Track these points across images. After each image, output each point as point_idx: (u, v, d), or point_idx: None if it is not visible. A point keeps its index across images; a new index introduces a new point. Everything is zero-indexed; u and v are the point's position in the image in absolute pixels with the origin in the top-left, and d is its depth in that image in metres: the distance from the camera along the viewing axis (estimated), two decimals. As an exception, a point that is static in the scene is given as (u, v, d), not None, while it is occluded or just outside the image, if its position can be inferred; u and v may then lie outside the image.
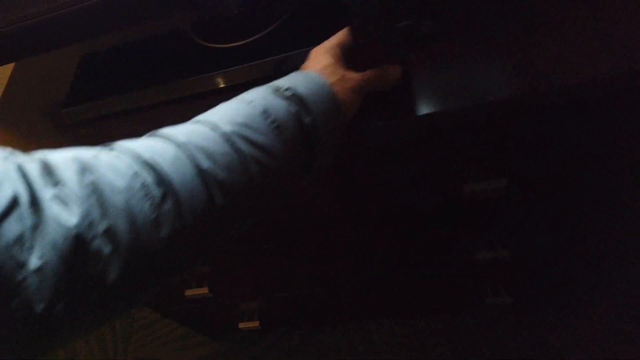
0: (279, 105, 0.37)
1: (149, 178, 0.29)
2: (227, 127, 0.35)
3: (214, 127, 0.34)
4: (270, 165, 0.35)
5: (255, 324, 1.04)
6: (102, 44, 0.70)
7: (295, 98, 0.38)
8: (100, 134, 0.63)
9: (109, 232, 0.26)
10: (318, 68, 0.43)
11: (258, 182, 0.35)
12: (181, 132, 0.34)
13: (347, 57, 0.45)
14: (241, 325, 1.05)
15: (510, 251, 0.76)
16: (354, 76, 0.43)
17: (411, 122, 0.49)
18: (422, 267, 0.86)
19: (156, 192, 0.29)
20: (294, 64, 0.49)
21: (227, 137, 0.34)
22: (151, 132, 0.35)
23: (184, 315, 1.06)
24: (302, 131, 0.38)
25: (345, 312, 1.10)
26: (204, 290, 0.88)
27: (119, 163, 0.29)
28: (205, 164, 0.32)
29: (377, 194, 0.67)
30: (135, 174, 0.29)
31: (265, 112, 0.36)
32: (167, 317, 1.06)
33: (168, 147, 0.32)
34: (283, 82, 0.40)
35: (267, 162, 0.35)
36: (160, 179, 0.30)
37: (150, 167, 0.30)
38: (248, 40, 0.59)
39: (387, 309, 1.09)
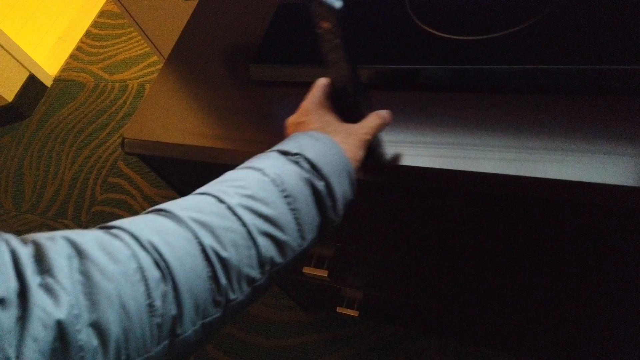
0: (290, 172, 0.36)
1: (146, 260, 0.28)
2: (233, 200, 0.33)
3: (220, 199, 0.33)
4: (280, 237, 0.34)
5: (354, 312, 1.01)
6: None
7: (306, 163, 0.37)
8: (284, 101, 0.57)
9: (96, 325, 0.25)
10: (319, 127, 0.41)
11: (267, 256, 0.33)
12: (184, 207, 0.32)
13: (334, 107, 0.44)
14: (339, 309, 1.02)
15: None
16: (356, 129, 0.42)
17: None
18: (582, 316, 0.76)
19: (152, 274, 0.28)
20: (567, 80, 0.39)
21: (233, 211, 0.33)
22: (154, 207, 0.33)
23: (288, 283, 1.04)
24: (315, 197, 0.37)
25: (451, 330, 1.02)
26: (324, 272, 0.84)
27: (115, 246, 0.28)
28: (208, 241, 0.31)
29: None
30: (131, 256, 0.28)
31: (275, 181, 0.35)
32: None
33: (169, 224, 0.31)
34: (290, 145, 0.38)
35: (276, 234, 0.34)
36: (158, 260, 0.28)
37: (148, 248, 0.29)
38: (484, 36, 0.50)
39: (500, 340, 1.00)
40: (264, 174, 0.35)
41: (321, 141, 0.39)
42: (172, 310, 0.28)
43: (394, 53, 0.53)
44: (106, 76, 2.00)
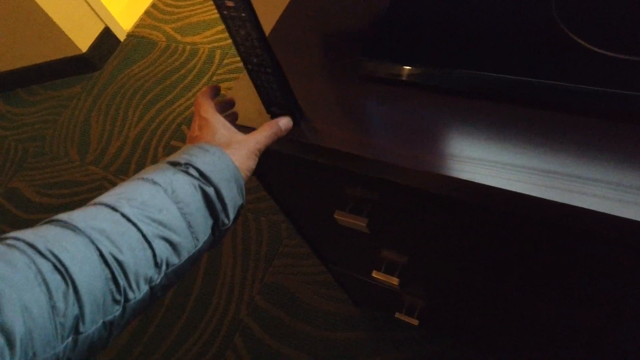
0: (180, 180, 0.39)
1: (45, 265, 0.30)
2: (126, 209, 0.35)
3: (114, 208, 0.35)
4: (174, 239, 0.37)
5: (413, 320, 0.96)
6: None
7: (195, 172, 0.40)
8: (393, 101, 0.51)
9: (1, 327, 0.27)
10: (210, 139, 0.45)
11: (163, 257, 0.36)
12: (79, 216, 0.34)
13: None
14: (397, 315, 0.97)
15: None
16: (247, 140, 0.45)
17: None
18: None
19: (53, 278, 0.30)
20: None
21: (127, 217, 0.35)
22: (48, 220, 0.35)
23: (347, 279, 1.00)
24: (205, 202, 0.40)
25: (513, 353, 0.96)
26: (394, 280, 0.79)
27: (13, 255, 0.30)
28: (105, 245, 0.33)
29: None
30: (30, 263, 0.29)
31: (166, 190, 0.38)
32: (329, 272, 1.01)
33: (66, 232, 0.32)
34: (180, 157, 0.41)
35: (170, 236, 0.37)
36: (57, 265, 0.30)
37: (47, 255, 0.30)
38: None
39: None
40: (154, 182, 0.38)
41: (210, 152, 0.42)
42: (74, 310, 0.30)
43: (526, 61, 0.46)
44: (178, 37, 1.99)
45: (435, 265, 0.73)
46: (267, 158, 0.59)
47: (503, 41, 0.49)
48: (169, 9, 2.12)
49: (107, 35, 2.05)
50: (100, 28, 2.03)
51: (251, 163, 0.45)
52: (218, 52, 1.86)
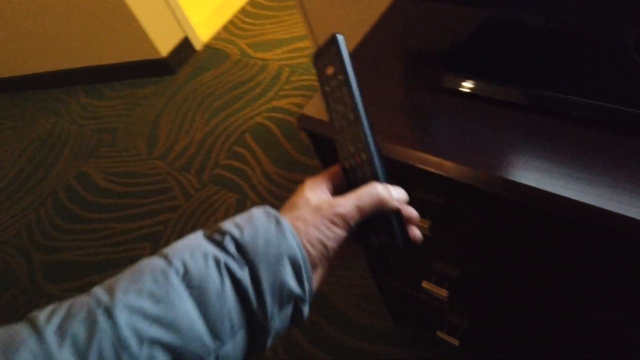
0: (203, 256, 0.30)
1: None
2: (115, 301, 0.27)
3: (98, 301, 0.28)
4: (172, 342, 0.27)
5: (454, 340, 0.98)
6: (510, 13, 0.63)
7: (231, 244, 0.30)
8: (473, 115, 0.57)
9: None
10: (289, 202, 0.35)
11: None
12: (54, 319, 0.27)
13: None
14: (438, 333, 1.00)
15: None
16: (328, 204, 0.33)
17: None
18: None
19: None
20: None
21: (110, 313, 0.27)
22: (25, 318, 0.28)
23: (393, 291, 1.04)
24: (235, 287, 0.29)
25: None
26: (443, 292, 0.83)
27: None
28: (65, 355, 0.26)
29: None
30: None
31: (178, 270, 0.29)
32: (376, 281, 1.05)
33: (29, 339, 0.26)
34: (231, 221, 0.32)
35: (166, 339, 0.27)
36: None
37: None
38: None
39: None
40: (168, 261, 0.30)
41: (265, 217, 0.32)
42: None
43: (598, 86, 0.51)
44: (251, 52, 2.12)
45: (487, 280, 0.76)
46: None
47: (574, 66, 0.54)
48: (246, 26, 2.27)
49: (185, 44, 2.21)
50: (180, 36, 2.19)
51: (325, 235, 0.32)
52: (286, 69, 1.97)
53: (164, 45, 2.13)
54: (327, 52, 0.39)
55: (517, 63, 0.58)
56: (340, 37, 0.38)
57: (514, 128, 0.54)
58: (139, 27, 2.03)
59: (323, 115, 0.65)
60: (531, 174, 0.48)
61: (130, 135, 2.03)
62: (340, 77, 0.38)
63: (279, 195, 1.58)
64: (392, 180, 0.37)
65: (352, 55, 0.43)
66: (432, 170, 0.55)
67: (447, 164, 0.53)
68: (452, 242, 0.70)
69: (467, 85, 0.59)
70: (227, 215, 1.60)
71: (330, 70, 0.39)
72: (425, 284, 0.85)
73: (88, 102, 2.29)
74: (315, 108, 0.66)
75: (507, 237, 0.60)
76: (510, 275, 0.70)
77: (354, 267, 1.34)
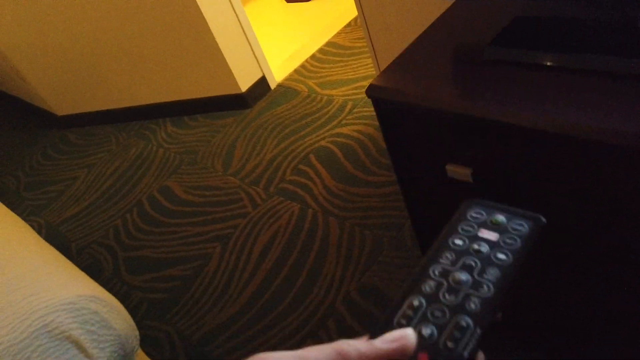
0: None
1: None
2: None
3: None
4: None
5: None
6: (539, 11, 0.80)
7: None
8: (510, 77, 0.73)
9: None
10: None
11: None
12: None
13: None
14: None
15: None
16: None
17: None
18: None
19: None
20: None
21: None
22: None
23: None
24: None
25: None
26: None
27: None
28: None
29: None
30: None
31: None
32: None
33: None
34: None
35: None
36: None
37: None
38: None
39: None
40: None
41: None
42: None
43: (612, 49, 0.66)
44: (318, 90, 2.38)
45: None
46: (396, 109, 0.81)
47: (590, 38, 0.70)
48: (315, 69, 2.56)
49: (262, 82, 2.51)
50: (258, 75, 2.50)
51: None
52: (350, 103, 2.20)
53: (244, 82, 2.44)
54: (510, 221, 0.33)
55: (551, 37, 0.75)
56: (544, 224, 0.32)
57: (552, 84, 0.69)
58: (225, 65, 2.36)
59: (390, 84, 0.83)
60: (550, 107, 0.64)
61: (209, 156, 2.30)
62: (501, 256, 0.31)
63: (338, 204, 1.75)
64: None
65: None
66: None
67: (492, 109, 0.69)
68: (497, 186, 0.84)
69: (510, 56, 0.75)
70: (291, 221, 1.78)
71: (491, 237, 0.33)
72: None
73: (173, 131, 2.61)
74: (383, 79, 0.85)
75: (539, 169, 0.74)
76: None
77: (406, 264, 1.45)
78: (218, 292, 1.65)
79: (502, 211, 0.34)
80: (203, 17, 2.21)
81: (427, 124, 0.83)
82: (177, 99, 2.63)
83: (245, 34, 2.39)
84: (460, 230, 0.34)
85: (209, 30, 2.25)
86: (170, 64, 2.47)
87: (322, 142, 2.06)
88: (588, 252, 0.77)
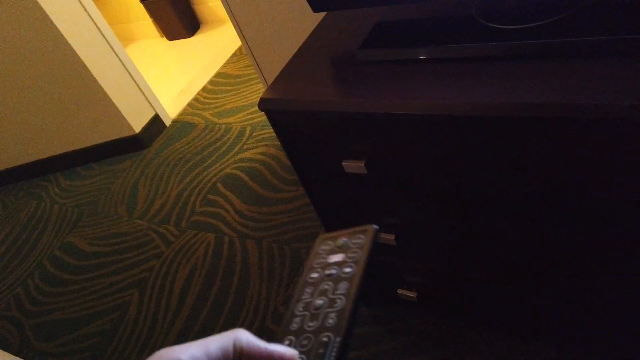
0: None
1: None
2: None
3: None
4: None
5: (412, 294, 1.15)
6: (395, 15, 0.91)
7: None
8: (380, 74, 0.82)
9: None
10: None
11: None
12: None
13: None
14: (399, 291, 1.17)
15: None
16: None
17: None
18: None
19: None
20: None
21: None
22: None
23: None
24: None
25: (503, 321, 1.13)
26: (390, 236, 1.02)
27: None
28: None
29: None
30: None
31: None
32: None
33: None
34: None
35: None
36: None
37: None
38: (518, 26, 0.73)
39: (548, 332, 1.09)
40: None
41: None
42: None
43: (459, 38, 0.77)
44: (215, 120, 2.40)
45: (423, 219, 0.96)
46: (288, 117, 0.87)
47: (439, 32, 0.81)
48: (208, 100, 2.57)
49: (156, 121, 2.47)
50: (151, 115, 2.46)
51: None
52: (248, 128, 2.24)
53: (137, 123, 2.39)
54: (350, 239, 0.38)
55: (407, 36, 0.85)
56: (376, 229, 0.38)
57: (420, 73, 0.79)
58: (114, 109, 2.29)
59: (279, 95, 0.89)
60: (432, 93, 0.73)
61: (110, 203, 2.20)
62: (347, 270, 0.36)
63: (252, 226, 1.77)
64: None
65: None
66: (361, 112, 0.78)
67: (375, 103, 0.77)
68: (389, 173, 0.92)
69: (377, 56, 0.85)
70: (208, 251, 1.76)
71: (337, 258, 0.37)
72: (383, 234, 1.04)
73: (68, 184, 2.46)
74: (272, 92, 0.90)
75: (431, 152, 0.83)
76: (445, 187, 0.91)
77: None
78: (143, 338, 1.58)
79: (343, 235, 0.39)
80: (84, 64, 2.15)
81: (317, 126, 0.89)
82: (67, 150, 2.50)
83: (131, 75, 2.35)
84: (314, 264, 0.38)
85: (92, 76, 2.19)
86: (55, 115, 2.35)
87: (227, 170, 2.07)
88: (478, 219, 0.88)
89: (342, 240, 0.38)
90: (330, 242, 0.39)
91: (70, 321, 1.75)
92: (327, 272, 0.37)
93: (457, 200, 0.87)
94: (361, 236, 0.38)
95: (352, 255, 0.37)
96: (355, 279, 0.35)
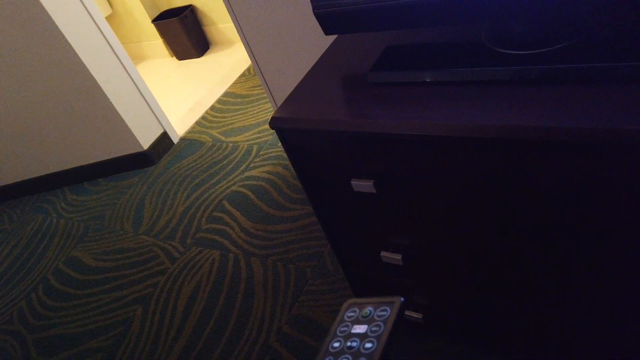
0: None
1: None
2: None
3: None
4: None
5: (418, 315, 1.15)
6: (405, 39, 0.94)
7: None
8: (391, 95, 0.84)
9: None
10: None
11: None
12: None
13: None
14: (405, 312, 1.17)
15: None
16: None
17: None
18: None
19: None
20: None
21: None
22: None
23: (360, 280, 1.21)
24: None
25: (515, 345, 1.13)
26: (397, 256, 1.02)
27: None
28: None
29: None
30: None
31: None
32: (348, 280, 1.23)
33: None
34: None
35: None
36: None
37: None
38: (526, 52, 0.75)
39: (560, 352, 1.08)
40: None
41: None
42: None
43: (468, 62, 0.79)
44: (222, 138, 2.43)
45: (433, 241, 0.97)
46: (299, 135, 0.88)
47: (449, 55, 0.83)
48: (216, 119, 2.60)
49: (164, 138, 2.50)
50: (159, 132, 2.49)
51: None
52: (255, 146, 2.26)
53: (145, 140, 2.41)
54: (376, 309, 0.38)
55: (415, 61, 0.87)
56: (403, 302, 0.38)
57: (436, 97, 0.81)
58: (124, 126, 2.32)
59: (290, 114, 0.91)
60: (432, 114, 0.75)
61: (116, 219, 2.21)
62: (368, 346, 0.36)
63: (257, 244, 1.77)
64: None
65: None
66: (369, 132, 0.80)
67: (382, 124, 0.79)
68: (397, 196, 0.93)
69: (387, 78, 0.87)
70: (212, 268, 1.76)
71: (361, 329, 0.37)
72: (383, 254, 1.04)
73: (74, 199, 2.48)
74: (283, 111, 0.92)
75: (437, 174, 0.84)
76: (449, 212, 0.92)
77: (331, 289, 1.50)
78: (146, 354, 1.57)
79: (370, 303, 0.39)
80: (95, 81, 2.19)
81: (327, 145, 0.91)
82: (75, 165, 2.52)
83: (140, 92, 2.39)
84: (338, 332, 0.38)
85: (103, 92, 2.22)
86: (65, 130, 2.38)
87: (234, 187, 2.08)
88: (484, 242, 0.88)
89: (368, 309, 0.38)
90: (356, 309, 0.39)
91: (73, 336, 1.74)
92: (349, 343, 0.37)
93: (466, 221, 0.88)
94: (387, 308, 0.38)
95: (375, 328, 0.37)
96: (375, 356, 0.35)
